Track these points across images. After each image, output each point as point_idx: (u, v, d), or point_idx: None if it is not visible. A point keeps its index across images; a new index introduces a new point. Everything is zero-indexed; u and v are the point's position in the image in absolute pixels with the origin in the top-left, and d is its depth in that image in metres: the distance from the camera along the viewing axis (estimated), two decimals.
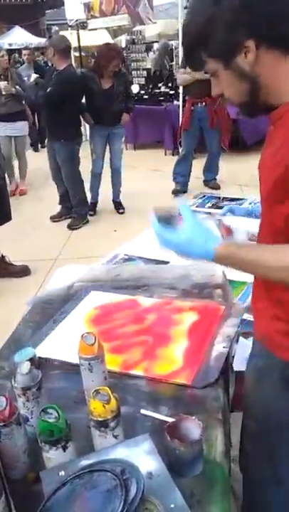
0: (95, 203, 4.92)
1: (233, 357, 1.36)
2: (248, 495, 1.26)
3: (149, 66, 9.17)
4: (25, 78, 5.63)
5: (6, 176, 3.85)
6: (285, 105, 0.93)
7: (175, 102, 6.66)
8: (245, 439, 1.27)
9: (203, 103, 5.10)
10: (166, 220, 0.97)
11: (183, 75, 5.19)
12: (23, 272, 3.62)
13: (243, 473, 1.25)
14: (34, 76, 6.09)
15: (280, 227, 0.94)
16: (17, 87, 5.05)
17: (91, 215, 4.85)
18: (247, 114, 1.03)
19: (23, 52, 7.13)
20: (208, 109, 5.12)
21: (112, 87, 4.42)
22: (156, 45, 10.55)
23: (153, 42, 13.35)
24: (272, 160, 0.93)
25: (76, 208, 4.64)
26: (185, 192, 5.34)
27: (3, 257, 3.59)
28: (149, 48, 10.02)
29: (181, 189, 5.39)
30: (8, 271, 3.58)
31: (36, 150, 7.54)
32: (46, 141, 4.97)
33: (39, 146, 7.54)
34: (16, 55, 14.04)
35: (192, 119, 5.21)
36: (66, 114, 4.17)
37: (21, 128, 5.32)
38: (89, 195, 4.87)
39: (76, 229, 4.57)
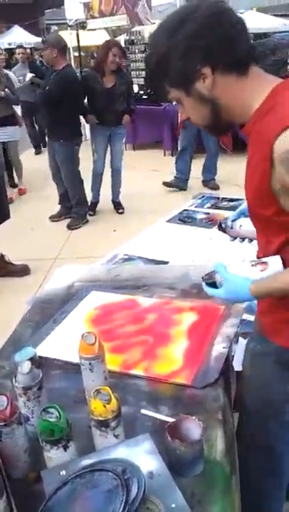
0: (95, 203, 4.91)
1: (233, 357, 1.36)
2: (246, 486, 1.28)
3: None
4: (21, 78, 5.60)
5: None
6: (249, 123, 0.99)
7: (174, 103, 6.67)
8: (241, 419, 1.31)
9: None
10: (211, 279, 1.16)
11: None
12: (23, 271, 3.62)
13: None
14: (30, 75, 6.07)
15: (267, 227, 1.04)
16: (6, 90, 4.93)
17: (91, 215, 4.85)
18: (215, 135, 1.09)
19: (17, 51, 6.91)
20: None
21: (114, 86, 4.40)
22: None
23: None
24: (248, 176, 1.01)
25: (75, 208, 4.64)
26: (184, 190, 5.33)
27: (2, 256, 3.59)
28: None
29: (177, 185, 5.36)
30: (7, 270, 3.58)
31: (39, 153, 7.38)
32: (47, 140, 4.94)
33: (41, 147, 7.38)
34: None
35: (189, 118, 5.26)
36: (65, 114, 4.17)
37: (12, 133, 5.17)
38: (90, 195, 4.87)
39: (75, 229, 4.57)
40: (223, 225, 1.41)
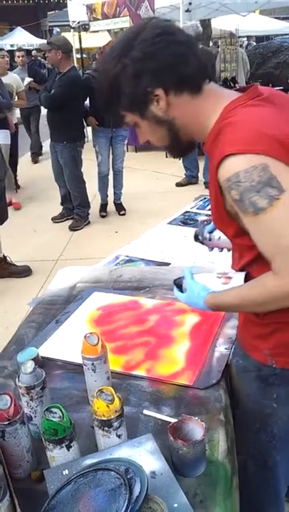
0: (105, 205, 4.91)
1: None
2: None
3: None
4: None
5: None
6: (206, 142, 0.97)
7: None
8: (237, 429, 1.29)
9: None
10: (179, 283, 1.22)
11: None
12: (25, 272, 3.63)
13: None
14: (28, 80, 6.06)
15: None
16: None
17: (103, 216, 4.86)
18: (177, 155, 1.10)
19: (17, 54, 6.70)
20: None
21: None
22: None
23: None
24: (210, 195, 1.00)
25: (78, 210, 4.65)
26: (191, 184, 5.49)
27: (4, 257, 3.60)
28: None
29: (189, 182, 5.56)
30: (9, 271, 3.59)
31: (36, 161, 6.86)
32: (50, 142, 4.90)
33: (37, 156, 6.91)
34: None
35: None
36: (69, 116, 4.17)
37: (2, 137, 4.93)
38: (98, 197, 4.88)
39: (77, 230, 4.58)
40: (200, 237, 1.40)
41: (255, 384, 1.14)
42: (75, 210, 4.68)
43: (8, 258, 3.61)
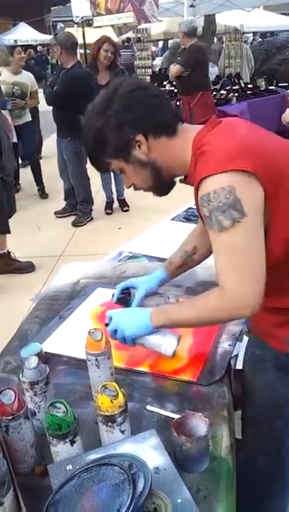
0: (111, 202, 4.90)
1: (237, 356, 1.36)
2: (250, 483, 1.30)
3: (154, 63, 9.19)
4: None
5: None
6: (189, 174, 1.07)
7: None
8: (247, 425, 1.32)
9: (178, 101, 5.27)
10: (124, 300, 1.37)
11: (172, 69, 5.29)
12: (28, 268, 3.63)
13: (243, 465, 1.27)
14: None
15: None
16: None
17: (109, 213, 4.84)
18: (160, 194, 1.17)
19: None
20: (183, 107, 5.20)
21: (108, 83, 4.30)
22: (170, 43, 10.53)
23: (158, 40, 13.35)
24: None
25: (81, 206, 4.65)
26: None
27: (9, 252, 3.61)
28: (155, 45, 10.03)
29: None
30: (13, 267, 3.60)
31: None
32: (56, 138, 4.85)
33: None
34: (32, 51, 13.89)
35: None
36: (73, 112, 4.13)
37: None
38: (102, 193, 4.87)
39: (80, 226, 4.58)
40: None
41: (272, 373, 1.16)
42: (78, 206, 4.68)
43: (12, 254, 3.62)
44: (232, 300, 1.00)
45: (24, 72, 5.09)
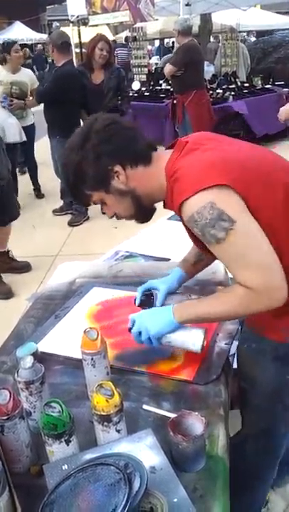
0: None
1: (234, 355, 1.36)
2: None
3: (150, 62, 9.18)
4: None
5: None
6: (167, 201, 1.15)
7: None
8: (247, 413, 1.35)
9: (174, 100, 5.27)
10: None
11: (165, 69, 5.30)
12: (24, 268, 3.62)
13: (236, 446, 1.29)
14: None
15: None
16: None
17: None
18: (143, 221, 1.23)
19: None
20: (177, 106, 5.21)
21: (102, 82, 4.31)
22: (156, 42, 10.53)
23: (154, 39, 13.34)
24: None
25: (76, 205, 4.63)
26: None
27: (8, 251, 3.60)
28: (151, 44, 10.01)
29: None
30: (10, 266, 3.59)
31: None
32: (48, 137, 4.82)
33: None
34: (27, 49, 13.77)
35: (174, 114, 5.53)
36: (62, 111, 4.11)
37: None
38: None
39: (76, 226, 4.57)
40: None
41: (272, 365, 1.19)
42: (73, 205, 4.67)
43: (10, 253, 3.61)
44: (262, 294, 1.02)
45: (23, 69, 4.93)
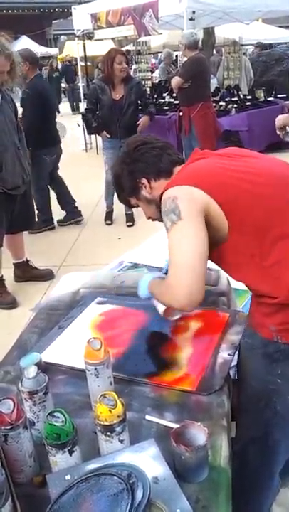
0: (110, 212, 4.86)
1: (233, 367, 1.37)
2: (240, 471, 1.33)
3: (153, 75, 9.27)
4: None
5: None
6: None
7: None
8: (239, 414, 1.37)
9: (180, 112, 5.33)
10: None
11: (172, 81, 5.35)
12: (47, 276, 3.63)
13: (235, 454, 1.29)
14: None
15: None
16: None
17: (108, 224, 4.84)
18: None
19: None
20: (183, 118, 5.24)
21: (122, 97, 4.30)
22: (160, 55, 10.64)
23: (158, 52, 13.49)
24: None
25: (39, 213, 4.54)
26: None
27: (27, 260, 3.62)
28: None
29: None
30: (32, 274, 3.61)
31: None
32: None
33: None
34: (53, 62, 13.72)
35: (180, 126, 5.51)
36: (32, 122, 4.09)
37: None
38: (104, 205, 4.89)
39: (37, 233, 4.51)
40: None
41: (261, 361, 1.23)
42: (38, 213, 4.52)
43: (30, 262, 3.63)
44: (169, 288, 1.20)
45: None
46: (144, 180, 1.34)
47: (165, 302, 1.33)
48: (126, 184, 1.38)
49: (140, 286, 1.48)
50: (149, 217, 1.44)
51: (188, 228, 1.15)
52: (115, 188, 1.47)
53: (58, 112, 13.56)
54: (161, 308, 1.44)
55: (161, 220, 1.29)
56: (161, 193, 1.25)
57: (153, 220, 1.43)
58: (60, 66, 16.18)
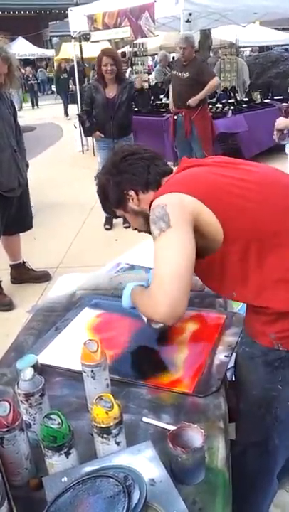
0: (110, 217, 4.80)
1: (230, 368, 1.37)
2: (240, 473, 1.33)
3: (150, 77, 9.29)
4: None
5: None
6: None
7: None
8: (240, 419, 1.37)
9: (181, 114, 5.29)
10: None
11: (213, 82, 5.34)
12: (44, 277, 3.63)
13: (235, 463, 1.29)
14: None
15: None
16: None
17: (108, 228, 4.78)
18: None
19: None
20: (184, 120, 5.22)
21: (115, 96, 4.34)
22: (156, 57, 10.67)
23: (154, 54, 13.51)
24: None
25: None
26: None
27: (24, 262, 3.62)
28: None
29: None
30: (29, 276, 3.60)
31: None
32: None
33: None
34: (28, 68, 13.56)
35: (176, 129, 5.44)
36: None
37: None
38: (100, 206, 4.85)
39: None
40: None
41: (261, 369, 1.22)
42: None
43: (27, 263, 3.63)
44: (151, 300, 1.14)
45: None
46: (132, 193, 1.30)
47: (147, 314, 1.29)
48: (112, 196, 1.33)
49: (123, 294, 1.44)
50: (135, 229, 1.40)
51: (177, 237, 1.11)
52: (100, 198, 1.39)
53: (67, 114, 13.51)
54: (145, 317, 1.40)
55: (148, 231, 1.25)
56: (150, 204, 1.21)
57: (139, 231, 1.38)
58: (68, 67, 16.03)
